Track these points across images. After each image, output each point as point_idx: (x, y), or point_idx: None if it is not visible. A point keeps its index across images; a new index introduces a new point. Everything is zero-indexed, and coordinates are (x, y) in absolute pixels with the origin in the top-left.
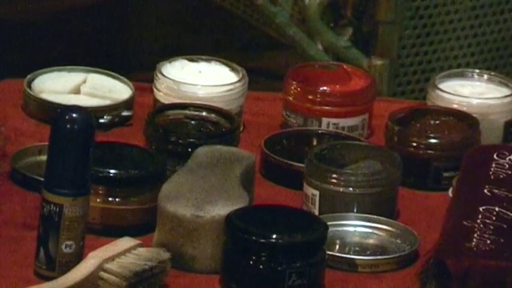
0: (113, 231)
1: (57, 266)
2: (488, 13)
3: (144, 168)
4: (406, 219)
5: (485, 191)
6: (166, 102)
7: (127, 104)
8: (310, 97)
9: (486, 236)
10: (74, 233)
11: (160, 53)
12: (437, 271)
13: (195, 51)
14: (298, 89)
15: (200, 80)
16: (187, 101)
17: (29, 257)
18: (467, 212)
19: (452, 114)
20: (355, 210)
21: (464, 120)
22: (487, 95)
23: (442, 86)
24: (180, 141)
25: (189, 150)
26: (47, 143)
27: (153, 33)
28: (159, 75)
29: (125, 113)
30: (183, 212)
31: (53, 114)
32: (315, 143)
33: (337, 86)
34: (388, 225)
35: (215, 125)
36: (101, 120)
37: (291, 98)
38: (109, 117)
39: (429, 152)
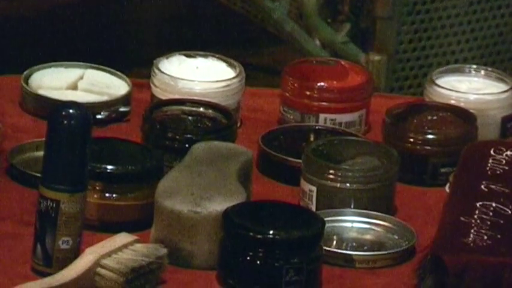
0: (110, 227)
1: (54, 262)
2: (486, 8)
3: (141, 164)
4: (403, 215)
5: (482, 186)
6: (164, 98)
7: (124, 99)
8: (308, 93)
9: (483, 231)
10: (71, 229)
11: (158, 48)
12: (434, 267)
13: (192, 47)
14: (296, 84)
15: (197, 75)
16: (185, 97)
17: (26, 253)
18: (464, 208)
19: (449, 109)
20: (352, 206)
21: (462, 115)
22: (485, 91)
23: (439, 81)
24: (177, 137)
25: (186, 146)
26: (44, 139)
27: (151, 29)
28: (156, 71)
29: (122, 109)
30: (180, 208)
31: (50, 110)
32: (312, 138)
33: (335, 82)
34: (385, 221)
35: (212, 120)
36: (98, 116)
37: (288, 94)
38: (106, 113)
39: (426, 147)
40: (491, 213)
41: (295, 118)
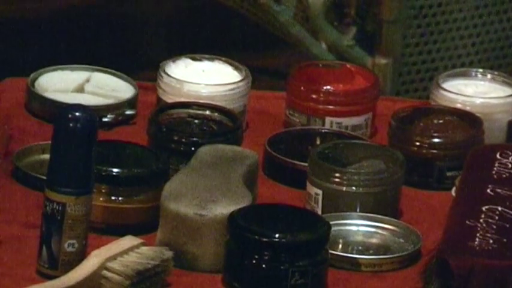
0: (116, 230)
1: (60, 265)
2: (492, 12)
3: (147, 167)
4: (409, 218)
5: (488, 190)
6: (170, 101)
7: (130, 102)
8: (314, 96)
9: (489, 235)
10: (76, 232)
11: (164, 51)
12: (440, 270)
13: (198, 50)
14: (302, 88)
15: (203, 79)
16: (191, 100)
17: (32, 256)
18: (470, 212)
19: (455, 113)
20: (358, 210)
21: (468, 119)
22: (491, 95)
23: (445, 85)
24: (183, 140)
25: (192, 149)
26: (50, 142)
27: (157, 32)
28: (163, 74)
29: (128, 112)
30: (185, 211)
31: (57, 113)
32: (318, 142)
33: (341, 85)
34: (391, 225)
35: (218, 124)
36: (104, 119)
37: (294, 97)
38: (112, 116)
39: (432, 151)
40: (497, 217)
41: (301, 121)
